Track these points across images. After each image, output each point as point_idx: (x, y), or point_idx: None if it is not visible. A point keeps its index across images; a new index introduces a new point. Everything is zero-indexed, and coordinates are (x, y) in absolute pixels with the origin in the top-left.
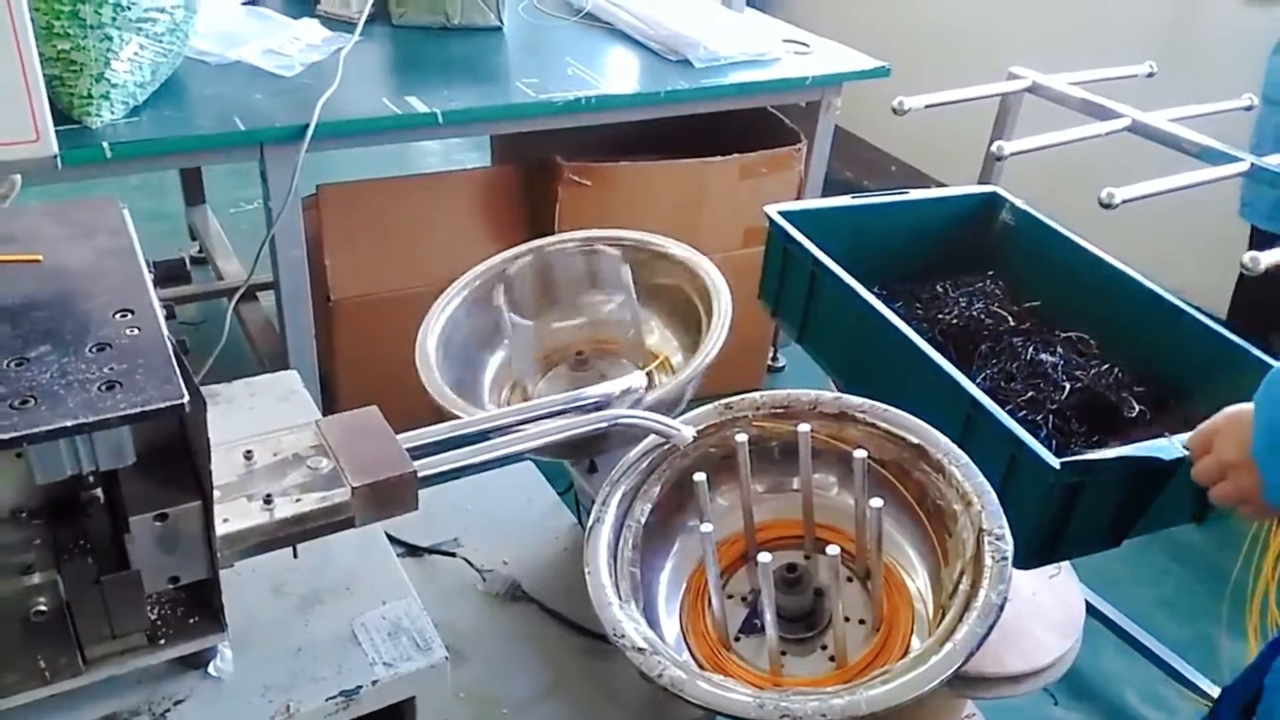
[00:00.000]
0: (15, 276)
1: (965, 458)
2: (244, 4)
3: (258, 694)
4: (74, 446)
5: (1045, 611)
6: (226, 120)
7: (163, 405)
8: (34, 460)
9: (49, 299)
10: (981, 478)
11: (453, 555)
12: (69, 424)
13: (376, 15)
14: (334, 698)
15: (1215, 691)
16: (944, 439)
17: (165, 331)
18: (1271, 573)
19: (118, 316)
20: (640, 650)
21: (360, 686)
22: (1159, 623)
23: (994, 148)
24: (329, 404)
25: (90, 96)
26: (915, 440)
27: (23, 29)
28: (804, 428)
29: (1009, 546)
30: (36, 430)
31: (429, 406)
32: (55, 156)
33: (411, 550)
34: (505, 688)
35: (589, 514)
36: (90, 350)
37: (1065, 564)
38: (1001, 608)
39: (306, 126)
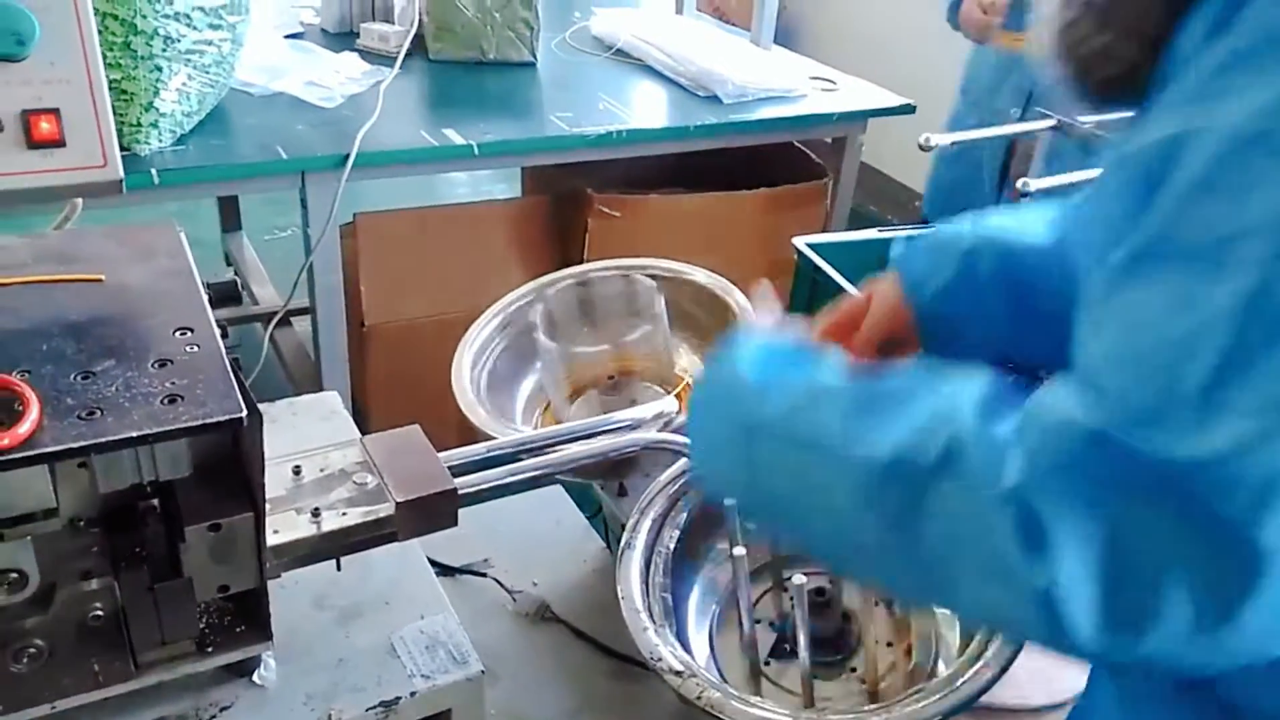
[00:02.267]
0: (79, 295)
1: None
2: (287, 37)
3: (300, 702)
4: (136, 457)
5: None
6: (269, 149)
7: (222, 419)
8: (99, 469)
9: (112, 317)
10: None
11: (483, 575)
12: (134, 435)
13: (414, 50)
14: (374, 708)
15: None
16: None
17: (223, 349)
18: None
19: (177, 334)
20: (678, 674)
21: (399, 697)
22: None
23: (1019, 184)
24: (361, 427)
25: (140, 125)
26: None
27: (94, 58)
28: None
29: None
30: (103, 440)
31: (456, 431)
32: (121, 181)
33: (444, 570)
34: (535, 707)
35: (617, 537)
36: (152, 365)
37: None
38: None
39: (347, 156)
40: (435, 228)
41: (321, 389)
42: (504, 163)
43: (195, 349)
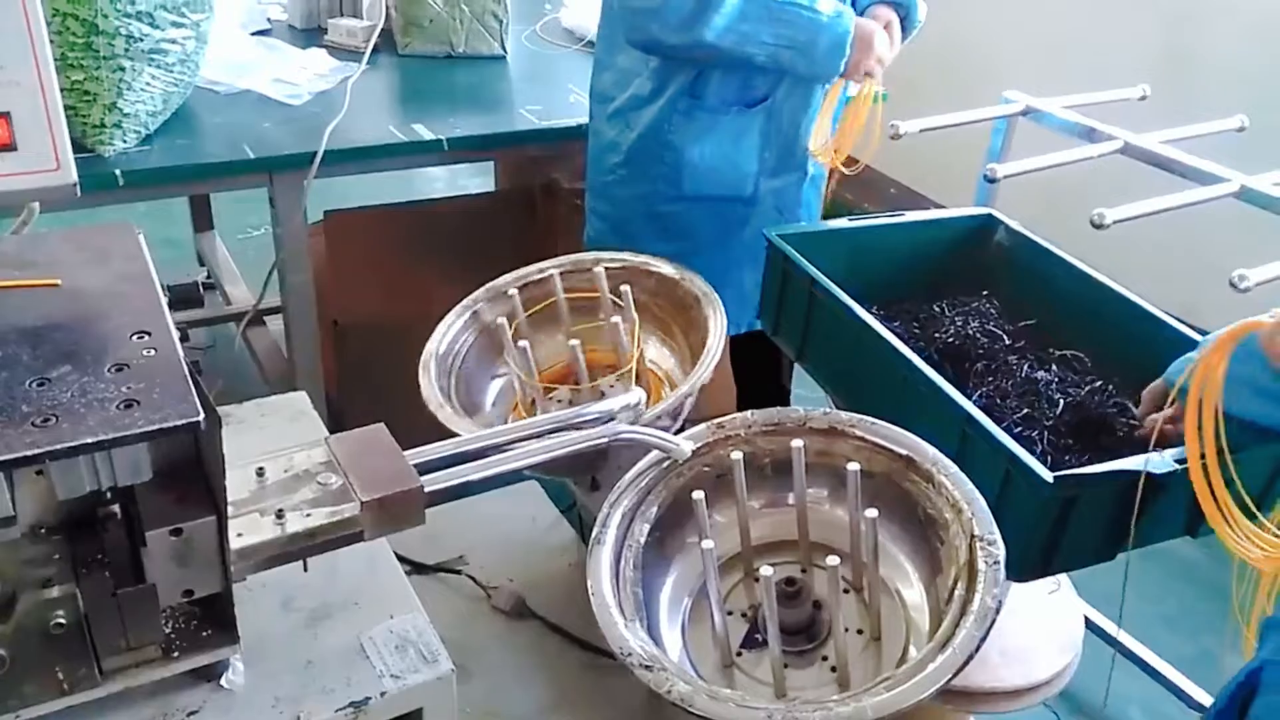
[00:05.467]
0: (35, 300)
1: (953, 467)
2: (253, 34)
3: (269, 705)
4: (94, 463)
5: (1044, 627)
6: (236, 148)
7: (179, 423)
8: (55, 476)
9: (68, 321)
10: (970, 485)
11: (458, 573)
12: (89, 441)
13: (382, 45)
14: (344, 709)
15: None
16: (931, 449)
17: (181, 352)
18: (1268, 600)
19: (135, 338)
20: (648, 668)
21: (369, 698)
22: (1162, 640)
23: (987, 170)
24: (334, 426)
25: (103, 126)
26: (903, 451)
27: (44, 61)
28: (797, 443)
29: (1001, 551)
30: (58, 447)
31: (432, 428)
32: (75, 185)
33: (418, 568)
34: (510, 703)
35: (591, 531)
36: (109, 370)
37: (1064, 579)
38: (998, 611)
39: (315, 154)
40: (406, 224)
41: (295, 388)
42: (474, 157)
43: (153, 352)
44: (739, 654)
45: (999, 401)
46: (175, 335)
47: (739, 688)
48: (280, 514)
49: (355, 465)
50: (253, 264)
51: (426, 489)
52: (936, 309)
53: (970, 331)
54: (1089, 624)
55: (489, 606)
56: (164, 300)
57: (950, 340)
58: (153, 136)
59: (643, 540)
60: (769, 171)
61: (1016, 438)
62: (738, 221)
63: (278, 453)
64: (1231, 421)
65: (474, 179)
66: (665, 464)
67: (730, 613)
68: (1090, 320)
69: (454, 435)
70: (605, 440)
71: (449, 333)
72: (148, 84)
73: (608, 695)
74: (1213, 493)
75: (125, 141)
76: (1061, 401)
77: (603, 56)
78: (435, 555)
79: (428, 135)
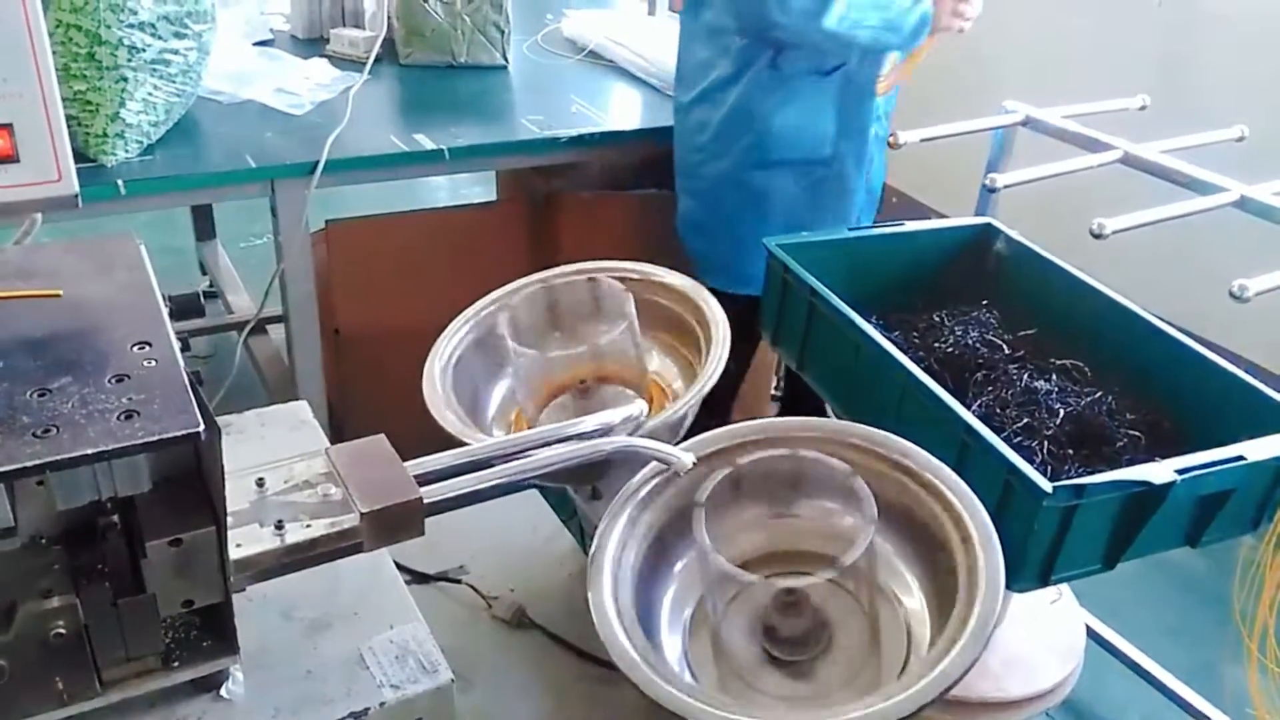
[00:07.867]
0: (37, 311)
1: (954, 476)
2: (255, 45)
3: (268, 715)
4: (94, 474)
5: (1045, 636)
6: (238, 158)
7: (179, 434)
8: (56, 487)
9: (69, 332)
10: (970, 494)
11: (459, 582)
12: (90, 452)
13: (384, 55)
14: (343, 719)
15: (1219, 718)
16: (932, 458)
17: (182, 363)
18: (1270, 611)
19: (136, 349)
20: (648, 678)
21: (368, 708)
22: (1164, 650)
23: (987, 180)
24: (336, 435)
25: (105, 136)
26: (903, 461)
27: (46, 72)
28: (799, 453)
29: (1000, 559)
30: (59, 458)
31: (434, 437)
32: (76, 195)
33: (418, 577)
34: (510, 712)
35: (592, 540)
36: (109, 381)
37: (1065, 589)
38: (998, 620)
39: (316, 163)
40: (408, 233)
41: (297, 397)
42: (475, 167)
43: (153, 363)
44: (738, 665)
45: (998, 411)
46: (176, 346)
47: (739, 698)
48: (280, 525)
49: (355, 476)
50: (254, 273)
51: (426, 500)
52: (936, 319)
53: (970, 341)
54: (1090, 633)
55: (489, 616)
56: (165, 311)
57: (950, 350)
58: (155, 146)
59: (643, 550)
60: (845, 133)
61: (1016, 448)
62: (816, 182)
63: (278, 463)
64: None
65: (475, 188)
66: (667, 473)
67: (730, 622)
68: (1090, 330)
69: (456, 444)
70: (605, 452)
71: (451, 341)
72: (150, 94)
73: (607, 705)
74: None
75: (127, 151)
76: (1061, 411)
77: (682, 53)
78: (435, 565)
79: (429, 145)
